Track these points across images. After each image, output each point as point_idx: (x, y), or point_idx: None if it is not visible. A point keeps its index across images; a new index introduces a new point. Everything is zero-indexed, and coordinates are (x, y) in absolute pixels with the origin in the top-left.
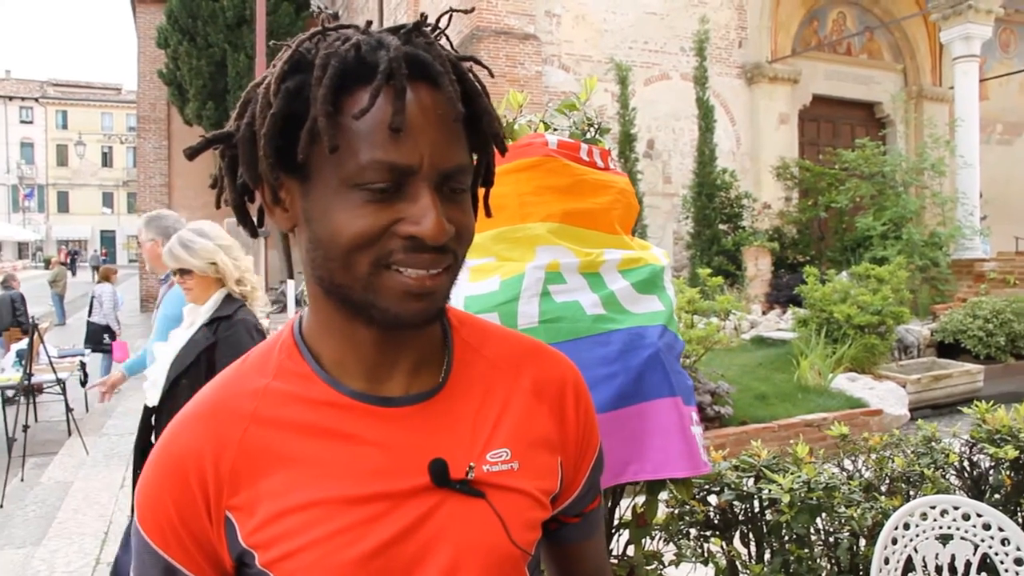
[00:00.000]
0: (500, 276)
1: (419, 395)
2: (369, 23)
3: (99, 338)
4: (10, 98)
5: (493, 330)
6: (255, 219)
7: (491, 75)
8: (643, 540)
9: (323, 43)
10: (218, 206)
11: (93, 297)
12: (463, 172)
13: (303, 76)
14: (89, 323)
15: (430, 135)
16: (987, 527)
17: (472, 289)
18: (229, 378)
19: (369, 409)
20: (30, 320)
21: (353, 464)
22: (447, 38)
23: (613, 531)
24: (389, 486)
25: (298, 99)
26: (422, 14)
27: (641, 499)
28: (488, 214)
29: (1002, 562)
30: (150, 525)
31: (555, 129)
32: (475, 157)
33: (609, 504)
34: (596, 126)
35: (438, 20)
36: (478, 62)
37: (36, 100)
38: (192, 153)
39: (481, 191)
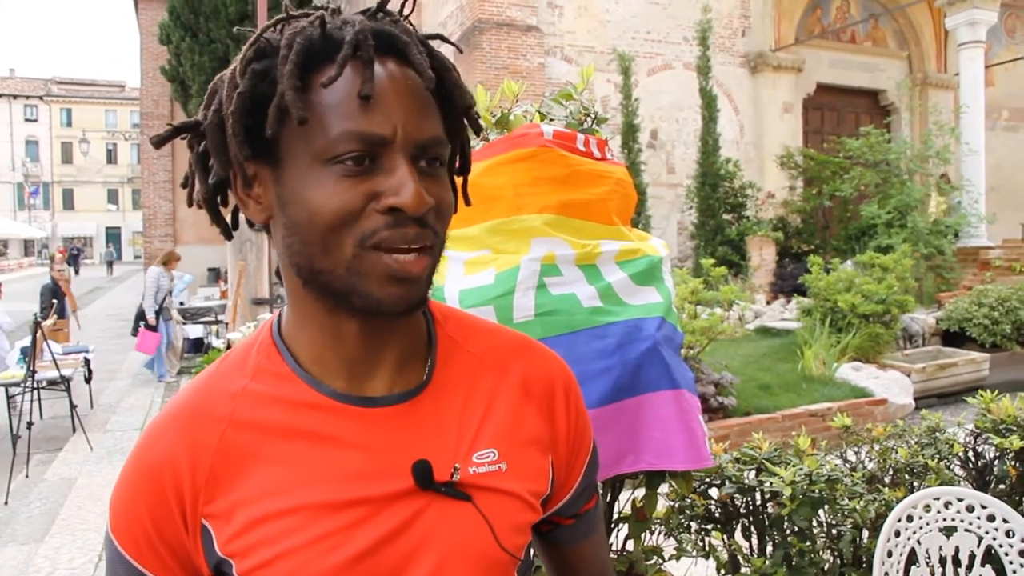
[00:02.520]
0: (495, 269)
1: (402, 394)
2: (335, 10)
3: (136, 323)
4: (14, 96)
5: (479, 325)
6: (229, 220)
7: (459, 51)
8: (642, 535)
9: (288, 28)
10: (190, 204)
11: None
12: (439, 144)
13: (269, 60)
14: (139, 307)
15: (402, 105)
16: (991, 519)
17: (467, 282)
18: (205, 381)
19: (350, 410)
20: (35, 317)
21: (334, 468)
22: (411, 24)
23: (612, 526)
24: (371, 490)
25: (266, 80)
26: None
27: (640, 493)
28: (467, 202)
29: (1007, 554)
30: (124, 535)
31: (551, 119)
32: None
33: (608, 499)
34: (593, 116)
35: (402, 7)
36: (445, 39)
37: (40, 98)
38: (159, 141)
39: (459, 180)
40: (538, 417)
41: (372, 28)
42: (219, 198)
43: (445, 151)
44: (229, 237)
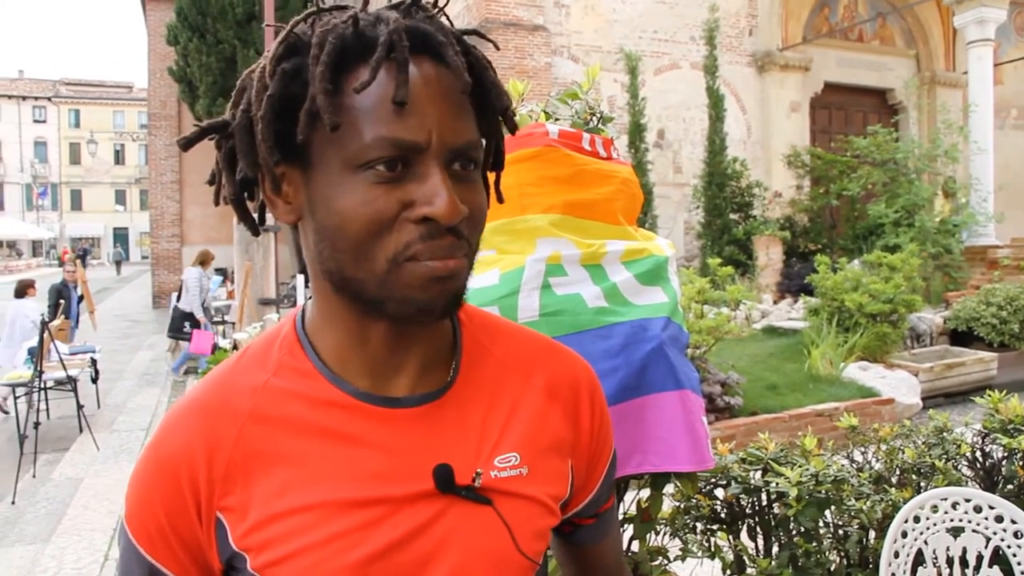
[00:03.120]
0: (500, 269)
1: (425, 395)
2: (367, 2)
3: (180, 325)
4: (23, 98)
5: (504, 327)
6: (256, 216)
7: (496, 48)
8: (648, 535)
9: (319, 23)
10: (217, 203)
11: (183, 281)
12: (474, 149)
13: (300, 58)
14: (174, 308)
15: (437, 110)
16: (999, 519)
17: (472, 282)
18: (225, 373)
19: (373, 410)
20: (42, 317)
21: (353, 466)
22: (447, 16)
23: None
24: (390, 490)
25: (296, 81)
26: None
27: (645, 494)
28: (500, 200)
29: (1015, 555)
30: (137, 528)
31: (556, 119)
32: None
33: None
34: (599, 115)
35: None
36: (482, 36)
37: (49, 99)
38: (186, 143)
39: (491, 176)
40: (562, 420)
41: (407, 27)
42: (246, 193)
43: (479, 154)
44: (256, 233)
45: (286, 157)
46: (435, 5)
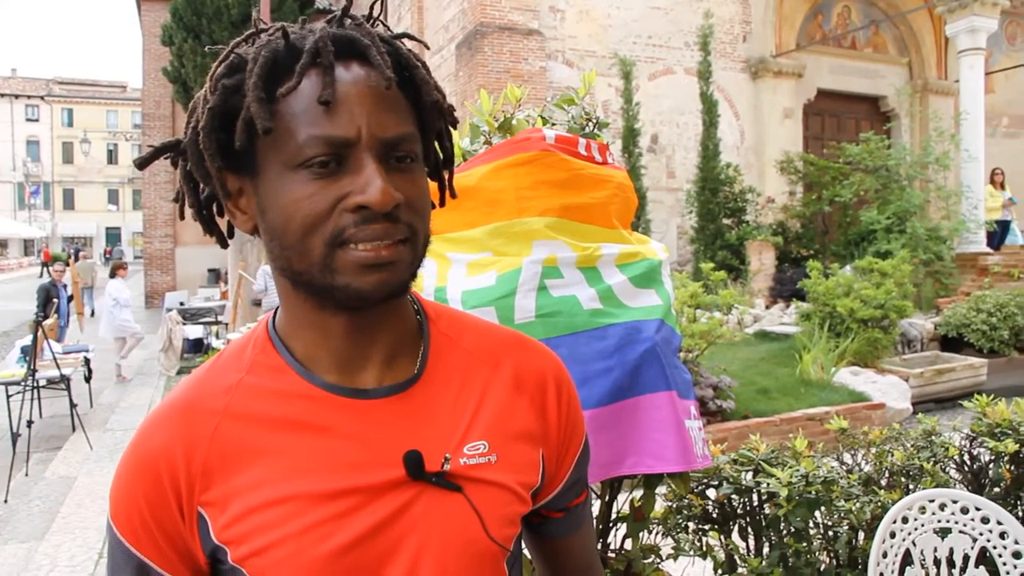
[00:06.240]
0: (496, 271)
1: (394, 386)
2: (304, 21)
3: None
4: (16, 96)
5: (472, 322)
6: (224, 229)
7: (427, 47)
8: (640, 534)
9: (257, 43)
10: (182, 217)
11: None
12: (407, 141)
13: (241, 75)
14: None
15: (365, 106)
16: (986, 520)
17: (469, 284)
18: (202, 375)
19: (343, 401)
20: (36, 316)
21: (326, 458)
22: (383, 24)
23: (611, 525)
24: (363, 480)
25: (236, 95)
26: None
27: (638, 493)
28: (453, 195)
29: (1000, 555)
30: (123, 523)
31: (553, 124)
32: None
33: (607, 498)
34: (594, 121)
35: (371, 7)
36: (412, 37)
37: (42, 98)
38: (142, 163)
39: (445, 174)
40: (530, 410)
41: (333, 34)
42: (215, 206)
43: (416, 147)
44: (224, 245)
45: (234, 168)
46: (368, 18)
